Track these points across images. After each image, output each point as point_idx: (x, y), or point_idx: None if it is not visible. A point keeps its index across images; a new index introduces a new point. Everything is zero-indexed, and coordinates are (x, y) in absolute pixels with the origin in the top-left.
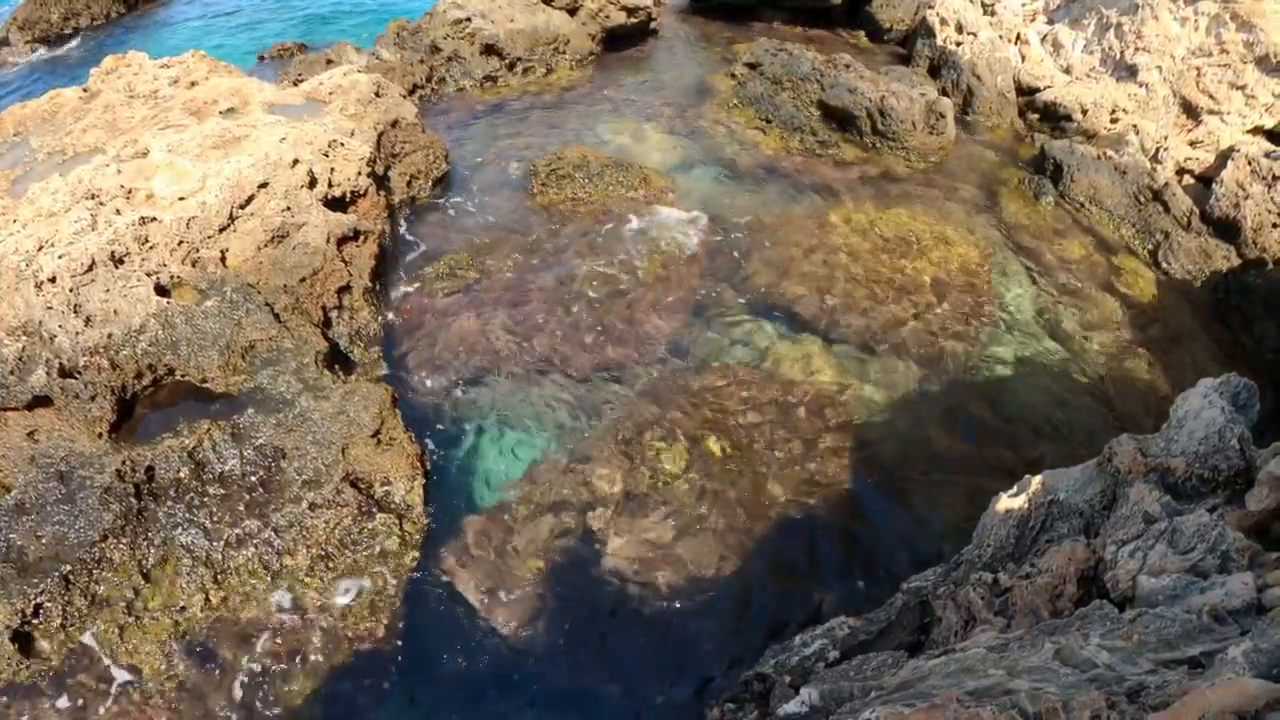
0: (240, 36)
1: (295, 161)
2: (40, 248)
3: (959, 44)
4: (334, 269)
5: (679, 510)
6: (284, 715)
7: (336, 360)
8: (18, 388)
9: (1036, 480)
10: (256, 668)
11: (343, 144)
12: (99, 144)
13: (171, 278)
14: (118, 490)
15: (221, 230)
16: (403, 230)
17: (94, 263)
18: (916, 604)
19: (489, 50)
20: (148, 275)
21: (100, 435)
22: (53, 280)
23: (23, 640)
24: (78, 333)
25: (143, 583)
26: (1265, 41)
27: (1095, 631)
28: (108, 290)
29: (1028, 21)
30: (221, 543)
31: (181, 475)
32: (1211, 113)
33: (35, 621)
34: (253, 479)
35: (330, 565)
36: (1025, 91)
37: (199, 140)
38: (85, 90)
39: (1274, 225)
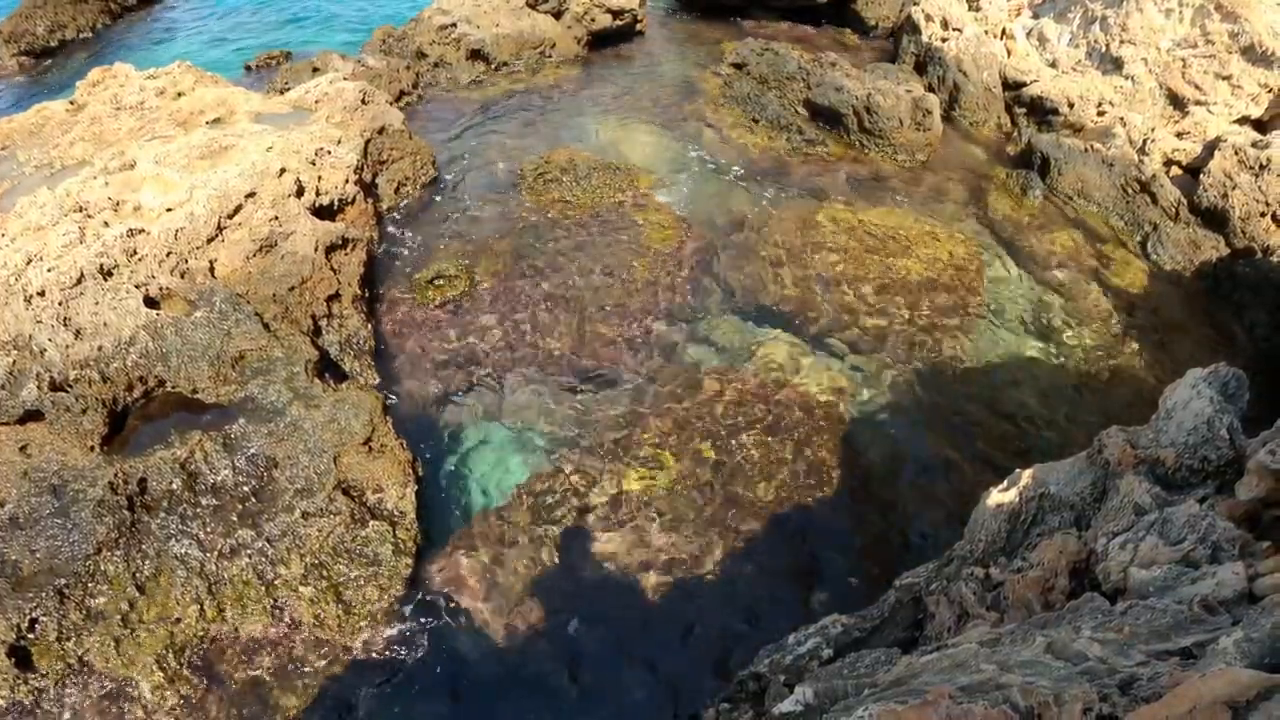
0: (226, 46)
1: (282, 171)
2: (29, 261)
3: (944, 40)
4: (323, 277)
5: (671, 513)
6: None
7: (327, 368)
8: (9, 402)
9: (1027, 474)
10: (253, 678)
11: (330, 152)
12: (86, 157)
13: (160, 289)
14: (111, 503)
15: (209, 241)
16: (391, 237)
17: (83, 275)
18: (909, 600)
19: (475, 55)
20: (136, 287)
21: (92, 448)
22: (42, 294)
23: (19, 655)
24: (68, 346)
25: (137, 595)
26: (1250, 31)
27: (1087, 624)
28: (97, 303)
29: (1013, 16)
30: (215, 554)
31: (174, 487)
32: (1198, 104)
33: (31, 636)
34: (245, 489)
35: (324, 574)
36: (1011, 86)
37: (186, 151)
38: (72, 103)
39: (1262, 214)
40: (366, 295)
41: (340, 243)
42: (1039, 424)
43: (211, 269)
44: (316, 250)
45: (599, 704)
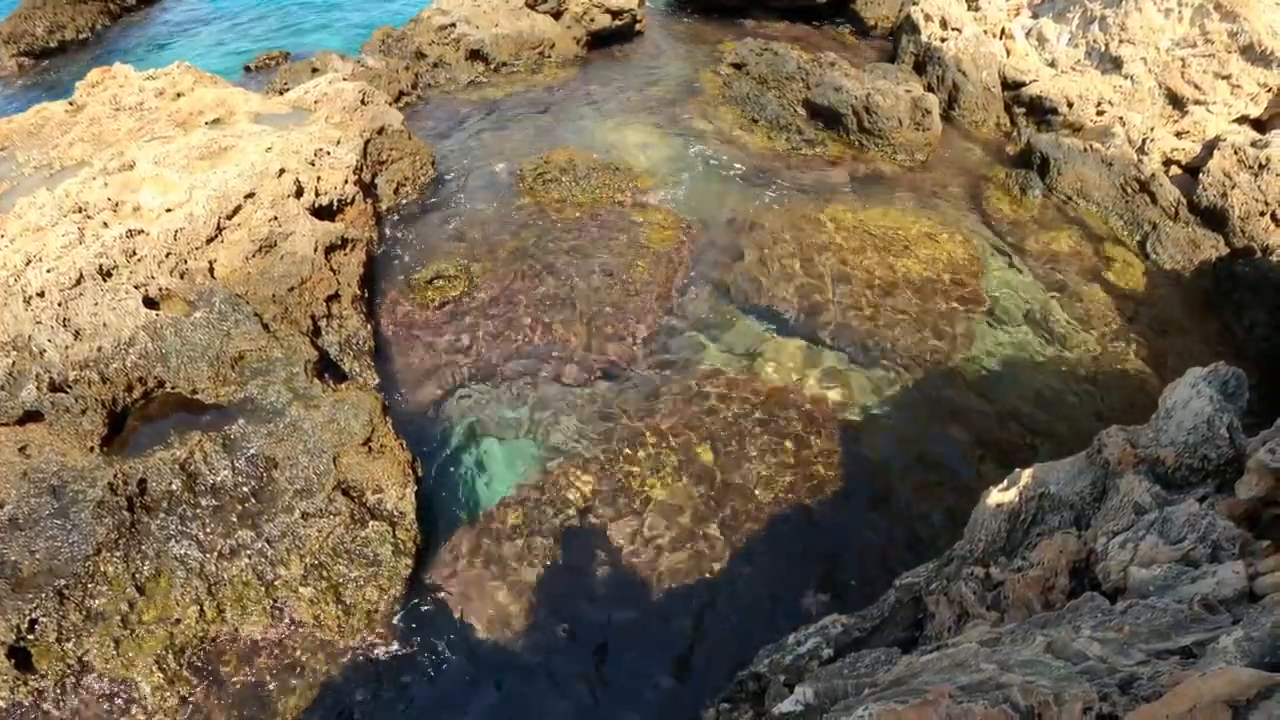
0: (226, 47)
1: (282, 171)
2: (28, 262)
3: (944, 40)
4: (322, 278)
5: (671, 512)
6: None
7: (326, 369)
8: (8, 403)
9: (1027, 474)
10: (252, 679)
11: (329, 152)
12: (85, 157)
13: (160, 290)
14: (110, 504)
15: (209, 241)
16: (391, 237)
17: (82, 276)
18: (909, 600)
19: (474, 55)
20: (136, 288)
21: (92, 449)
22: (41, 295)
23: (19, 656)
24: (67, 347)
25: (137, 596)
26: (1249, 31)
27: (1087, 623)
28: (96, 304)
29: (1012, 16)
30: (215, 554)
31: (174, 487)
32: (1197, 103)
33: (31, 637)
34: (245, 490)
35: (324, 574)
36: (1011, 86)
37: (185, 152)
38: (71, 104)
39: (1261, 213)
40: (366, 295)
41: (340, 243)
42: (1038, 423)
43: (211, 269)
44: (316, 251)
45: (598, 703)
